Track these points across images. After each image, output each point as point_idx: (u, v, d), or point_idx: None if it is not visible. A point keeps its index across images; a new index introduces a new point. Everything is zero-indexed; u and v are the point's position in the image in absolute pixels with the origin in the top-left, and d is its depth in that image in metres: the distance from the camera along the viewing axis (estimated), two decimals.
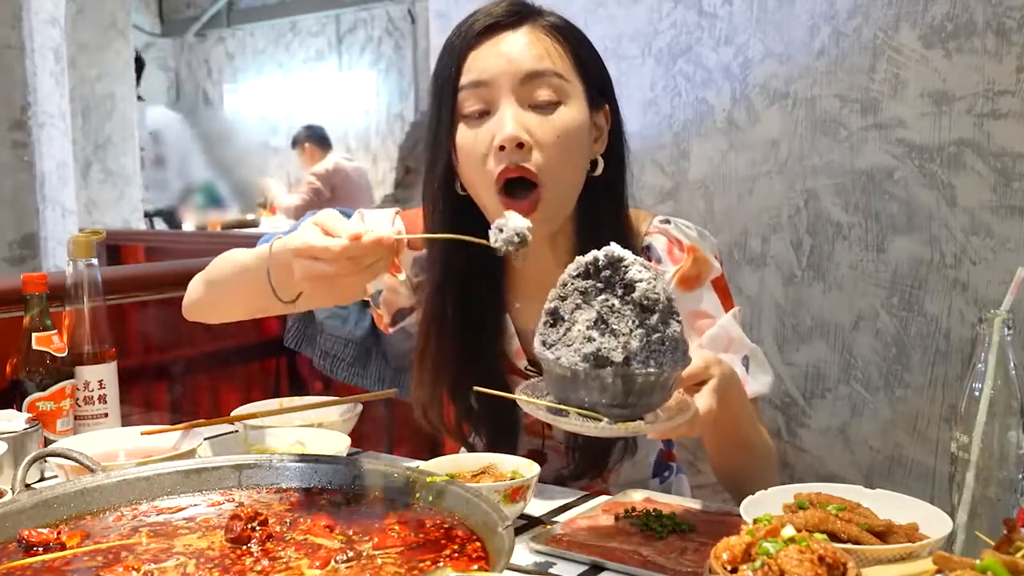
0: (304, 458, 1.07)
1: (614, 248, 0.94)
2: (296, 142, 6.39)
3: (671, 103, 1.91)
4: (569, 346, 0.93)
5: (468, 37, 1.21)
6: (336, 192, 5.87)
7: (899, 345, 1.69)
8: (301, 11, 9.07)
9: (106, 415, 1.44)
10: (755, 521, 0.82)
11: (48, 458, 1.12)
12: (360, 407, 1.44)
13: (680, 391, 1.01)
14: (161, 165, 6.31)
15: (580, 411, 0.93)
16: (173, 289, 1.52)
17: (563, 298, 0.96)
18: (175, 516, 0.97)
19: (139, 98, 6.37)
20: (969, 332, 1.62)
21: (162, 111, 7.00)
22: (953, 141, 1.61)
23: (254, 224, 6.30)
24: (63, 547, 0.89)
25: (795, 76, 1.76)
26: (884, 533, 0.86)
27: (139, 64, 6.39)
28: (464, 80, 1.20)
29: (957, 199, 1.61)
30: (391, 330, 1.43)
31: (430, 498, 0.97)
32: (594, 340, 0.91)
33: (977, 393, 0.93)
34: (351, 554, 0.86)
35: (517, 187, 1.18)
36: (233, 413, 1.40)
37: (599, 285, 0.94)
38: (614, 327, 0.91)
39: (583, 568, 0.96)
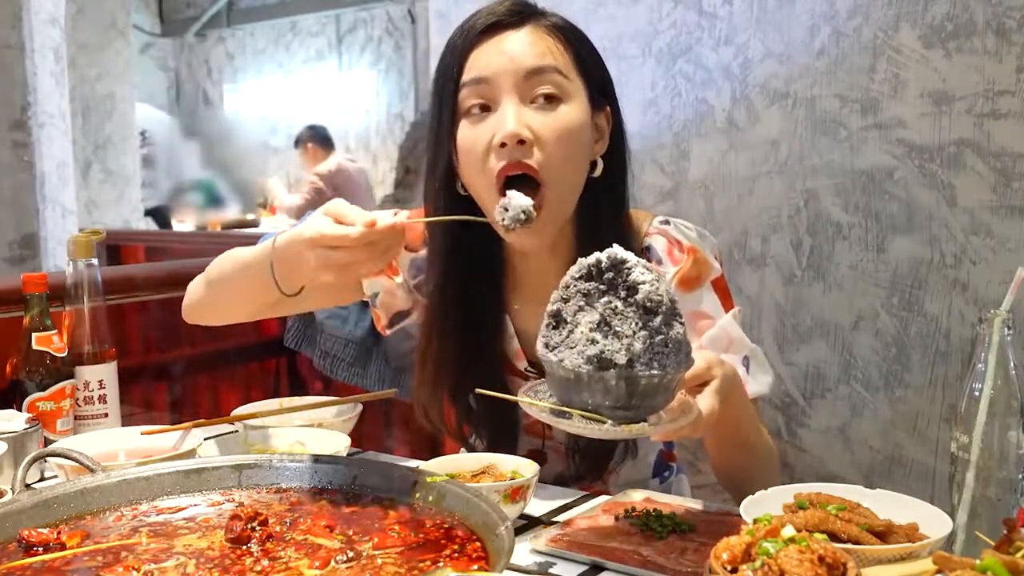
0: (304, 458, 1.07)
1: (617, 250, 0.94)
2: (299, 142, 6.40)
3: (671, 103, 1.91)
4: (572, 348, 0.93)
5: (470, 36, 1.21)
6: (338, 192, 5.86)
7: (899, 345, 1.69)
8: (301, 11, 9.07)
9: (106, 415, 1.44)
10: (755, 521, 0.82)
11: (48, 458, 1.12)
12: (360, 407, 1.44)
13: (682, 392, 1.01)
14: (150, 165, 6.33)
15: (583, 413, 0.93)
16: (173, 289, 1.52)
17: (566, 300, 0.96)
18: (175, 516, 0.98)
19: None
20: (969, 332, 1.62)
21: (149, 110, 6.99)
22: (953, 141, 1.61)
23: (254, 224, 6.30)
24: (63, 547, 0.89)
25: (795, 76, 1.76)
26: (884, 533, 0.86)
27: None
28: (465, 77, 1.20)
29: (957, 199, 1.61)
30: (388, 332, 1.43)
31: (430, 498, 0.97)
32: (597, 342, 0.91)
33: (977, 393, 0.93)
34: (351, 554, 0.86)
35: (519, 186, 1.18)
36: (233, 413, 1.40)
37: (602, 287, 0.94)
38: (617, 329, 0.91)
39: (583, 568, 0.96)
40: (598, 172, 1.25)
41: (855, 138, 1.71)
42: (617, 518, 1.08)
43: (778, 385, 1.81)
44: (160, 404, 2.12)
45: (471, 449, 1.36)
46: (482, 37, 1.21)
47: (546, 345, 0.96)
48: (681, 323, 0.93)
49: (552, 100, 1.19)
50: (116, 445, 1.28)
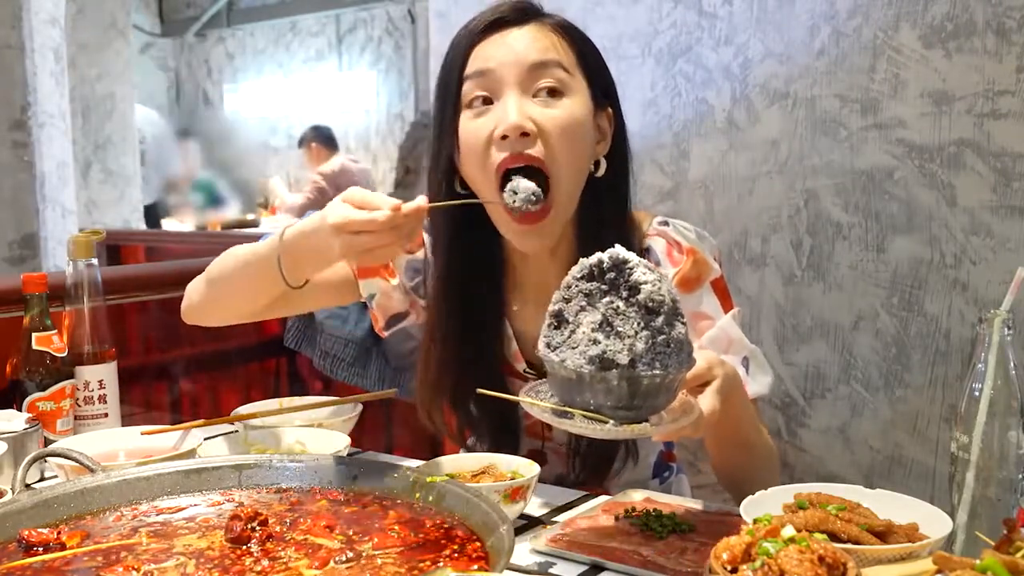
0: (304, 458, 1.07)
1: (619, 250, 0.94)
2: (303, 141, 6.42)
3: (671, 103, 1.91)
4: (574, 348, 0.93)
5: (474, 32, 1.22)
6: (340, 193, 5.87)
7: (899, 345, 1.69)
8: (301, 11, 9.07)
9: (106, 415, 1.44)
10: (755, 521, 0.82)
11: (48, 458, 1.12)
12: (360, 407, 1.44)
13: (684, 392, 1.01)
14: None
15: (585, 413, 0.93)
16: (173, 289, 1.52)
17: (567, 300, 0.96)
18: (175, 516, 0.97)
19: None
20: (969, 332, 1.61)
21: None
22: (953, 141, 1.61)
23: (254, 224, 6.31)
24: (63, 547, 0.89)
25: (795, 76, 1.76)
26: (884, 533, 0.86)
27: None
28: (469, 70, 1.21)
29: (957, 199, 1.61)
30: (386, 334, 1.43)
31: (430, 498, 0.97)
32: (599, 342, 0.91)
33: (977, 393, 0.93)
34: (351, 554, 0.86)
35: (518, 177, 1.18)
36: (233, 413, 1.40)
37: (604, 287, 0.94)
38: (619, 329, 0.91)
39: (583, 568, 0.96)
40: (601, 172, 1.25)
41: (855, 138, 1.70)
42: (617, 518, 1.08)
43: (778, 385, 1.81)
44: (160, 404, 2.12)
45: (471, 451, 1.37)
46: (486, 33, 1.22)
47: (548, 345, 0.96)
48: (683, 323, 0.93)
49: (555, 94, 1.19)
50: (116, 445, 1.28)
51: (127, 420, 1.50)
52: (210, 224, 6.56)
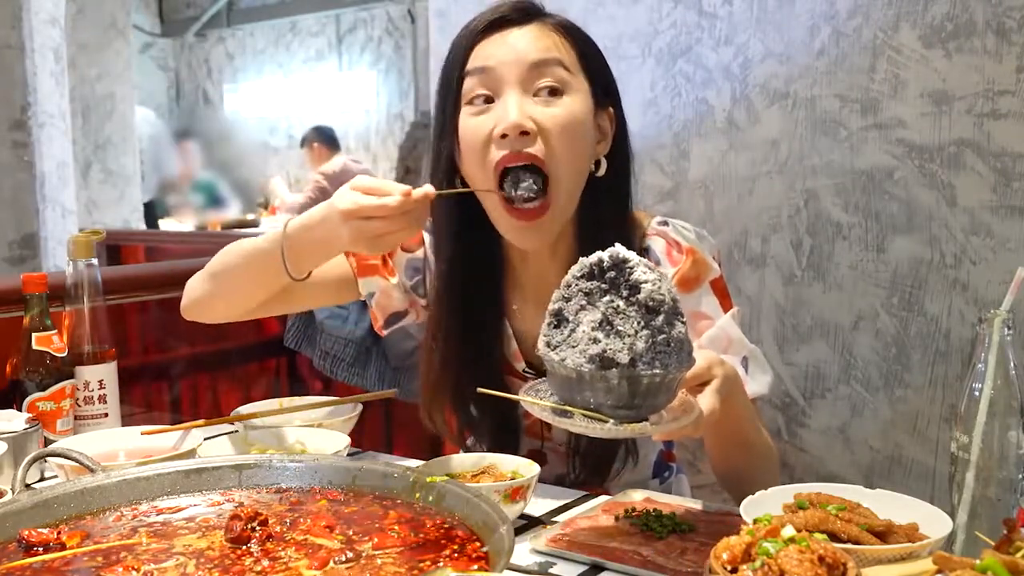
0: (304, 458, 1.07)
1: (619, 249, 0.95)
2: (305, 141, 6.44)
3: (671, 103, 1.91)
4: (574, 347, 0.93)
5: (476, 31, 1.23)
6: None
7: (899, 345, 1.69)
8: (301, 11, 9.07)
9: (106, 415, 1.44)
10: (755, 521, 0.82)
11: (48, 458, 1.12)
12: (360, 407, 1.44)
13: (683, 392, 1.01)
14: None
15: (585, 412, 0.93)
16: (173, 289, 1.52)
17: (567, 299, 0.96)
18: (175, 516, 0.97)
19: None
20: (969, 332, 1.61)
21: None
22: (953, 141, 1.61)
23: (254, 224, 6.32)
24: (63, 547, 0.89)
25: (795, 76, 1.76)
26: (884, 533, 0.86)
27: None
28: (469, 66, 1.21)
29: (957, 199, 1.61)
30: (385, 332, 1.43)
31: (430, 498, 0.97)
32: (600, 341, 0.91)
33: (977, 393, 0.93)
34: (351, 554, 0.86)
35: (518, 178, 1.18)
36: (233, 413, 1.40)
37: (603, 286, 0.94)
38: (619, 328, 0.91)
39: (583, 568, 0.96)
40: (601, 172, 1.25)
41: (855, 138, 1.70)
42: (617, 518, 1.08)
43: (778, 385, 1.81)
44: (160, 404, 2.12)
45: (471, 451, 1.37)
46: (488, 31, 1.22)
47: (548, 344, 0.96)
48: (683, 322, 0.93)
49: (555, 93, 1.19)
50: (116, 445, 1.28)
51: (127, 420, 1.50)
52: (210, 224, 6.57)
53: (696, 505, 1.14)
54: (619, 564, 0.95)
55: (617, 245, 0.95)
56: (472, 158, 1.21)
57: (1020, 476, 0.92)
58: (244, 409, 1.42)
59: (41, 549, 0.88)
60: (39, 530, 0.89)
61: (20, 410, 1.35)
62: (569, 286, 0.96)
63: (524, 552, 0.99)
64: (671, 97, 1.91)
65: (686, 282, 1.28)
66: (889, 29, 1.65)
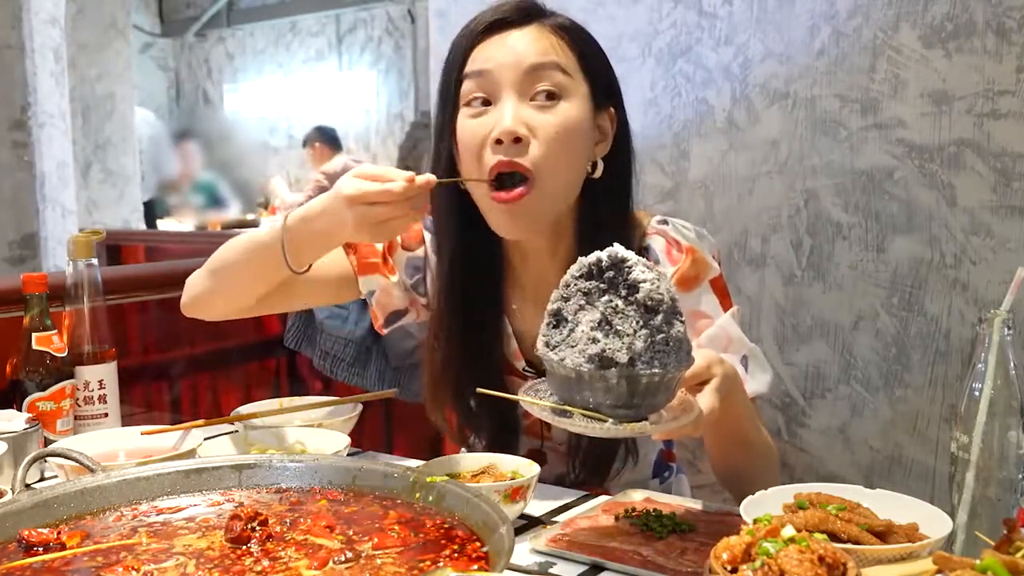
0: (304, 458, 1.07)
1: (617, 249, 0.95)
2: (307, 141, 6.45)
3: (671, 103, 1.91)
4: (573, 347, 0.93)
5: (475, 32, 1.23)
6: None
7: (899, 345, 1.69)
8: (301, 11, 9.07)
9: (106, 415, 1.44)
10: (755, 521, 0.82)
11: (48, 458, 1.12)
12: (360, 407, 1.44)
13: (683, 391, 1.01)
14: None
15: (584, 412, 0.93)
16: (173, 289, 1.52)
17: (566, 299, 0.96)
18: (175, 516, 0.97)
19: None
20: (969, 332, 1.61)
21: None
22: (953, 141, 1.61)
23: (254, 224, 6.32)
24: (63, 547, 0.89)
25: (795, 76, 1.76)
26: (884, 533, 0.86)
27: None
28: (468, 69, 1.22)
29: (957, 199, 1.61)
30: (385, 331, 1.44)
31: (430, 498, 0.97)
32: (598, 341, 0.91)
33: (977, 393, 0.93)
34: (350, 554, 0.86)
35: (508, 180, 1.19)
36: (233, 413, 1.40)
37: (602, 286, 0.94)
38: (618, 328, 0.91)
39: (583, 568, 0.96)
40: (598, 173, 1.25)
41: (855, 138, 1.70)
42: (617, 518, 1.08)
43: (778, 385, 1.81)
44: (160, 404, 2.12)
45: (471, 450, 1.37)
46: (487, 33, 1.22)
47: (547, 344, 0.96)
48: (681, 322, 0.93)
49: (552, 97, 1.19)
50: (116, 445, 1.28)
51: (127, 420, 1.50)
52: (210, 224, 6.58)
53: (696, 505, 1.14)
54: (619, 564, 0.95)
55: (615, 245, 0.95)
56: (468, 159, 1.21)
57: (1020, 476, 0.92)
58: (244, 409, 1.42)
59: (41, 549, 0.88)
60: (39, 530, 0.89)
61: (20, 410, 1.35)
62: (568, 286, 0.96)
63: (524, 552, 0.99)
64: (671, 97, 1.91)
65: (686, 281, 1.28)
66: (889, 29, 1.65)
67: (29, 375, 1.37)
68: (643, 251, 1.29)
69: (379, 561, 0.85)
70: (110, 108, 5.71)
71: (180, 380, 2.18)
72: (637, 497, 1.17)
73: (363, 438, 1.71)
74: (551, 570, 0.96)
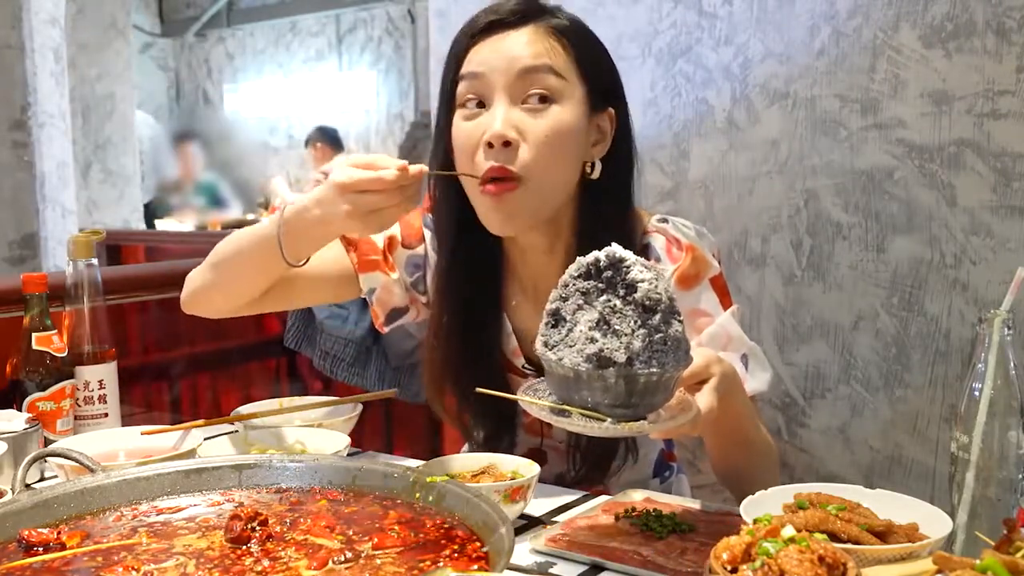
0: (304, 458, 1.07)
1: (615, 248, 0.95)
2: (308, 142, 6.45)
3: (671, 103, 1.91)
4: (571, 347, 0.93)
5: (472, 33, 1.23)
6: None
7: (899, 345, 1.69)
8: (301, 11, 9.07)
9: (106, 415, 1.44)
10: (755, 521, 0.82)
11: (48, 458, 1.12)
12: (360, 407, 1.44)
13: (681, 390, 1.01)
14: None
15: (583, 411, 0.93)
16: (173, 289, 1.52)
17: (564, 299, 0.96)
18: (175, 516, 0.97)
19: None
20: (969, 332, 1.61)
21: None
22: (953, 141, 1.61)
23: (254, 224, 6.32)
24: (63, 547, 0.89)
25: (795, 76, 1.76)
26: (884, 533, 0.86)
27: None
28: (463, 71, 1.22)
29: (957, 199, 1.61)
30: (386, 329, 1.44)
31: (430, 498, 0.97)
32: (597, 341, 0.91)
33: (977, 393, 0.93)
34: (350, 554, 0.86)
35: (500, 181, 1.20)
36: (233, 413, 1.40)
37: (600, 286, 0.94)
38: (616, 328, 0.91)
39: (583, 568, 0.96)
40: (596, 174, 1.25)
41: (855, 138, 1.70)
42: (617, 518, 1.08)
43: (778, 385, 1.81)
44: (160, 404, 2.12)
45: (471, 437, 1.38)
46: (483, 34, 1.22)
47: (545, 343, 0.96)
48: (680, 321, 0.93)
49: (544, 101, 1.19)
50: (116, 445, 1.28)
51: (127, 420, 1.50)
52: (210, 224, 6.57)
53: (696, 505, 1.14)
54: (619, 564, 0.96)
55: (614, 244, 0.95)
56: (463, 160, 1.22)
57: (1020, 476, 0.92)
58: (244, 409, 1.42)
59: (41, 549, 0.88)
60: (39, 530, 0.89)
61: (20, 410, 1.35)
62: (566, 286, 0.96)
63: (524, 552, 1.00)
64: (671, 97, 1.91)
65: (686, 279, 1.28)
66: (889, 29, 1.65)
67: (29, 375, 1.37)
68: (643, 249, 1.29)
69: (379, 561, 0.85)
70: (110, 108, 5.71)
71: (180, 380, 2.18)
72: (637, 497, 1.17)
73: (363, 438, 1.71)
74: (551, 570, 0.96)
